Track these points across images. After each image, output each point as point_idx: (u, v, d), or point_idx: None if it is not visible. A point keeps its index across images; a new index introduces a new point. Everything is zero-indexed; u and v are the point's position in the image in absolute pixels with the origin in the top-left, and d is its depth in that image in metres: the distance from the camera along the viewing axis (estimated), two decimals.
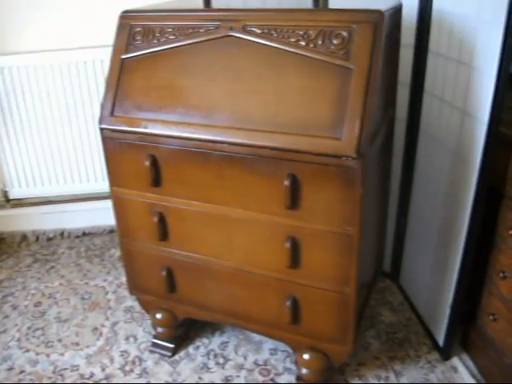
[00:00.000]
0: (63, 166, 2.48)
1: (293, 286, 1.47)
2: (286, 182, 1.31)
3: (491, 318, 1.58)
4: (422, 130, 1.79)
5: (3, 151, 2.42)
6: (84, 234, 2.63)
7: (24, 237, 2.61)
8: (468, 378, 1.66)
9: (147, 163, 1.46)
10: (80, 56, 2.28)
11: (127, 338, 1.92)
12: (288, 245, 1.39)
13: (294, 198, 1.33)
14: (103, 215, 2.51)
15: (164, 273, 1.65)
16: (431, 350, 1.79)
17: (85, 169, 2.48)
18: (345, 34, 1.25)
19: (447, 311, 1.69)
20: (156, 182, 1.50)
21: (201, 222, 1.51)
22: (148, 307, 1.81)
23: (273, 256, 1.45)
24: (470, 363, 1.72)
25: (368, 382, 1.68)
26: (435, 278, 1.77)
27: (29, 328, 2.01)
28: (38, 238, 2.60)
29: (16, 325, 2.03)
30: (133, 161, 1.50)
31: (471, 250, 1.54)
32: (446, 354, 1.75)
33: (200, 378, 1.72)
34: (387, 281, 2.14)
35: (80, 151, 2.45)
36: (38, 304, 2.15)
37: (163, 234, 1.58)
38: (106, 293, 2.19)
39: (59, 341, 1.94)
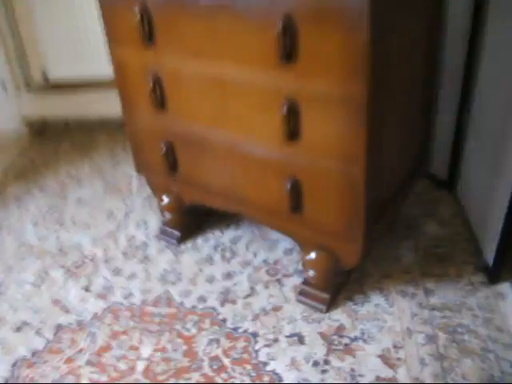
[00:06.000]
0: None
1: (293, 166, 1.21)
2: (279, 25, 1.04)
3: None
4: None
5: (40, 31, 2.30)
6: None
7: (66, 123, 2.53)
8: None
9: (138, 15, 1.25)
10: None
11: (138, 224, 1.78)
12: (285, 109, 1.13)
13: (289, 47, 1.06)
14: None
15: (164, 147, 1.46)
16: (477, 271, 1.47)
17: None
18: None
19: (500, 226, 1.36)
20: (149, 37, 1.29)
21: (196, 87, 1.29)
22: (155, 189, 1.64)
23: (269, 125, 1.19)
24: None
25: (390, 295, 1.41)
26: (492, 187, 1.43)
27: (48, 207, 1.93)
28: (79, 125, 2.51)
29: (37, 204, 1.95)
30: (126, 14, 1.30)
31: None
32: (493, 277, 1.43)
33: (200, 270, 1.54)
34: (442, 190, 1.80)
35: None
36: (63, 186, 2.06)
37: (160, 100, 1.38)
38: (131, 180, 2.05)
39: (72, 221, 1.83)
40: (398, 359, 1.23)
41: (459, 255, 1.53)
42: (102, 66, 2.32)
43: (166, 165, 1.49)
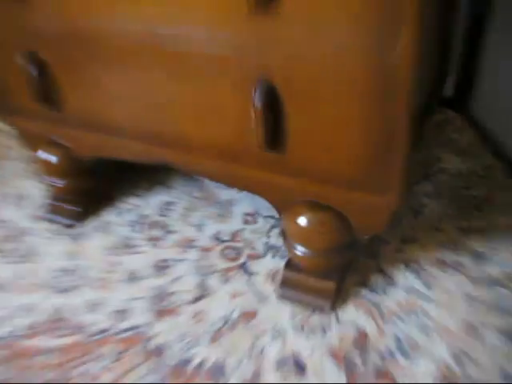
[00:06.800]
0: None
1: (266, 61, 0.64)
2: None
3: None
4: None
5: None
6: None
7: None
8: None
9: None
10: None
11: (12, 203, 1.16)
12: None
13: None
14: None
15: (31, 67, 0.84)
16: None
17: None
18: None
19: None
20: None
21: None
22: (33, 144, 1.03)
23: None
24: None
25: (422, 270, 0.89)
26: None
27: None
28: None
29: None
30: None
31: None
32: None
33: (114, 264, 0.95)
34: (449, 112, 1.30)
35: None
36: None
37: None
38: None
39: None
40: (468, 378, 0.72)
41: (502, 196, 1.03)
42: None
43: (39, 99, 0.88)
